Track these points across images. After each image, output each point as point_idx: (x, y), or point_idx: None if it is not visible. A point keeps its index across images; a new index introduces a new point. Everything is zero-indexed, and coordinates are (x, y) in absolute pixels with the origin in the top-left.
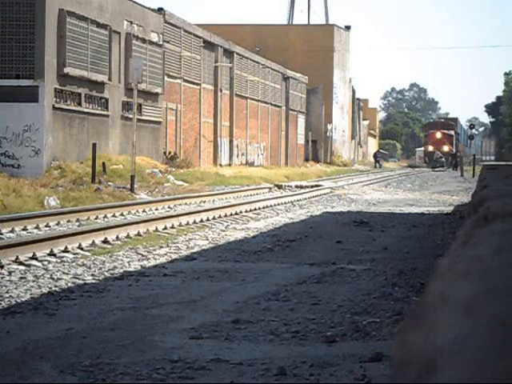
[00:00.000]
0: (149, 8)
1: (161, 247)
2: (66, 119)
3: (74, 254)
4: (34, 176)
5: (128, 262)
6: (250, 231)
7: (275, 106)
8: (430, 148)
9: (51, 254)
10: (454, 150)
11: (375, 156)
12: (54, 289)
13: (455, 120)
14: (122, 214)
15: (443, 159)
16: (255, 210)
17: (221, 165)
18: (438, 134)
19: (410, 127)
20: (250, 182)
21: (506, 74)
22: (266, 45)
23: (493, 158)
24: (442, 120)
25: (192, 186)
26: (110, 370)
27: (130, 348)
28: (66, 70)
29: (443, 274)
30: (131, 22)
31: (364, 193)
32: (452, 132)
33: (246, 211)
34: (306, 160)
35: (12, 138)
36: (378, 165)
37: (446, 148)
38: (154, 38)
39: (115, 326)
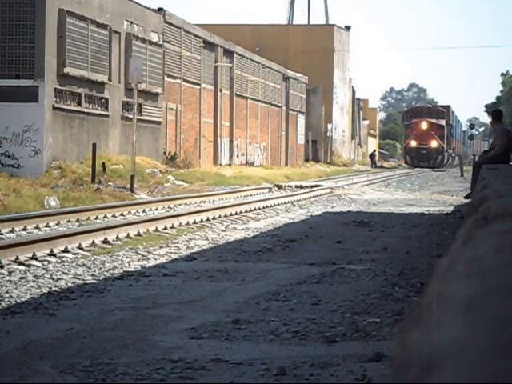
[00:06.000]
0: (149, 8)
1: (161, 247)
2: (65, 119)
3: (74, 254)
4: (33, 176)
5: (128, 262)
6: (249, 231)
7: (275, 105)
8: (413, 143)
9: (51, 254)
10: (445, 146)
11: (371, 156)
12: (53, 289)
13: (447, 108)
14: (122, 214)
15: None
16: (255, 210)
17: (221, 165)
18: (424, 124)
19: None
20: (250, 182)
21: (502, 74)
22: (266, 45)
23: None
24: (429, 106)
25: (192, 186)
26: (110, 370)
27: (130, 348)
28: (66, 70)
29: (443, 274)
30: (131, 22)
31: (364, 193)
32: (443, 122)
33: (246, 211)
34: (306, 160)
35: (12, 137)
36: (374, 165)
37: (434, 143)
38: (154, 38)
39: (115, 326)
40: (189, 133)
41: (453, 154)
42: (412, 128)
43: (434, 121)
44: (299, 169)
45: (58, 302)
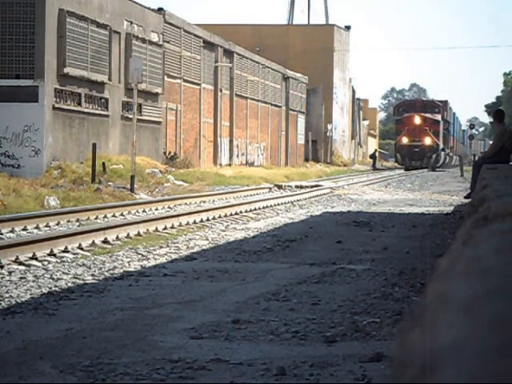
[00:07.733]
0: (149, 8)
1: (161, 247)
2: (66, 119)
3: (74, 254)
4: (33, 176)
5: (128, 262)
6: (249, 231)
7: (275, 105)
8: (405, 140)
9: (51, 254)
10: (441, 144)
11: (373, 157)
12: (53, 289)
13: (444, 102)
14: (122, 214)
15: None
16: (255, 210)
17: (221, 165)
18: (417, 119)
19: None
20: (250, 182)
21: (505, 74)
22: (266, 45)
23: None
24: (423, 99)
25: (192, 186)
26: (110, 370)
27: (130, 348)
28: (66, 70)
29: (443, 274)
30: (131, 22)
31: (364, 193)
32: (438, 117)
33: (246, 211)
34: (306, 160)
35: (12, 137)
36: (373, 167)
37: (427, 140)
38: (154, 38)
39: (115, 326)
40: (189, 133)
41: (450, 154)
42: (404, 123)
43: (428, 115)
44: (299, 169)
45: (58, 302)
